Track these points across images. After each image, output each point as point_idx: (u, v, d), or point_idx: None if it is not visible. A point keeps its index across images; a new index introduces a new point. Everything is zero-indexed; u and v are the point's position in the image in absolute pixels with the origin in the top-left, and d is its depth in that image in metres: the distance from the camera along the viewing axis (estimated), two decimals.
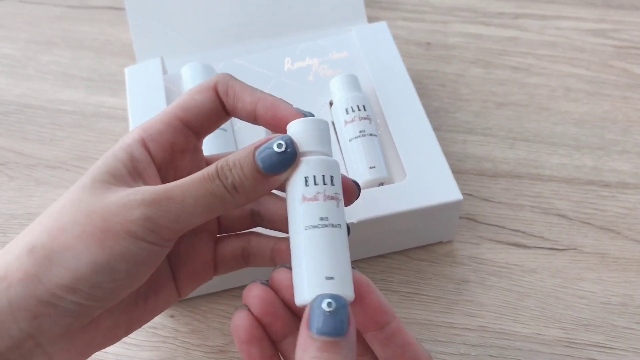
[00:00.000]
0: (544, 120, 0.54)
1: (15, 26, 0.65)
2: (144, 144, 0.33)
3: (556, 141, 0.53)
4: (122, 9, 0.55)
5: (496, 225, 0.48)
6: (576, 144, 0.52)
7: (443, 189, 0.43)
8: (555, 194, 0.50)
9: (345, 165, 0.46)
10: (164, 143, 0.33)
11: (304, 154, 0.31)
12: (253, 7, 0.56)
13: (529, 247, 0.47)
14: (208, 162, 0.36)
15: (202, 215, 0.30)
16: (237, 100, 0.33)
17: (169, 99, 0.50)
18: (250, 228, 0.37)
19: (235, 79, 0.34)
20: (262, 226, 0.36)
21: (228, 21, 0.55)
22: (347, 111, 0.47)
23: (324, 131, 0.31)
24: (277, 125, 0.33)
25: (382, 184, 0.45)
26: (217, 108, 0.34)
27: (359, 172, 0.44)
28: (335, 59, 0.52)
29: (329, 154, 0.31)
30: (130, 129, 0.48)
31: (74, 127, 0.56)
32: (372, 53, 0.52)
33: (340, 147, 0.47)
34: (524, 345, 0.42)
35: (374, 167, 0.44)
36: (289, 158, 0.30)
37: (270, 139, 0.30)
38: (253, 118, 0.34)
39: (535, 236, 0.47)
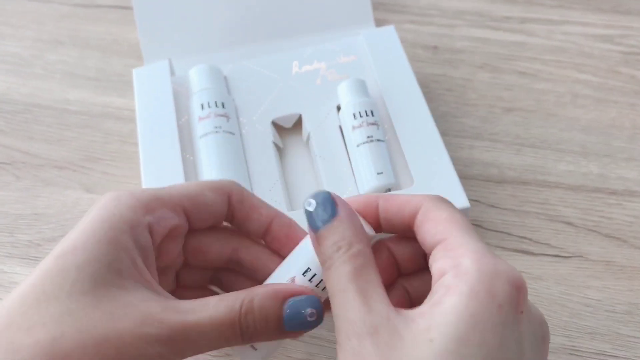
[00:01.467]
0: (551, 126, 0.54)
1: (21, 24, 0.65)
2: (149, 228, 0.30)
3: (563, 148, 0.53)
4: (129, 8, 0.55)
5: (502, 232, 0.48)
6: (583, 151, 0.52)
7: (450, 196, 0.43)
8: (562, 201, 0.50)
9: (352, 171, 0.46)
10: (165, 230, 0.31)
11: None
12: (261, 9, 0.56)
13: (535, 254, 0.47)
14: (186, 245, 0.34)
15: (204, 352, 0.29)
16: (253, 211, 0.33)
17: (176, 101, 0.50)
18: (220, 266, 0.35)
19: (246, 190, 0.34)
20: (238, 271, 0.35)
21: (236, 23, 0.56)
22: (354, 116, 0.47)
23: None
24: (285, 246, 0.33)
25: (389, 190, 0.45)
26: (224, 212, 0.33)
27: (366, 178, 0.45)
28: (343, 63, 0.52)
29: None
30: (138, 130, 0.48)
31: (81, 128, 0.56)
32: (380, 57, 0.52)
33: (347, 153, 0.47)
34: None
35: (382, 173, 0.44)
36: (316, 324, 0.29)
37: (298, 292, 0.30)
38: (262, 232, 0.33)
39: (541, 243, 0.47)
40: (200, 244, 0.34)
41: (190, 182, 0.33)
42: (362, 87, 0.48)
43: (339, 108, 0.49)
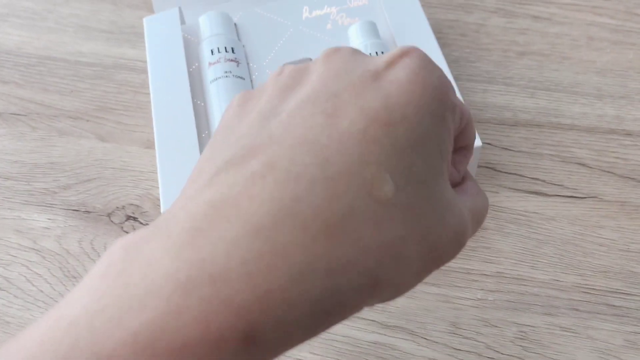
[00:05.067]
0: (566, 69, 0.53)
1: None
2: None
3: (578, 90, 0.52)
4: None
5: (515, 174, 0.48)
6: (598, 93, 0.52)
7: None
8: (576, 143, 0.49)
9: None
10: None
11: None
12: None
13: (549, 195, 0.46)
14: None
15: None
16: None
17: (187, 49, 0.50)
18: None
19: None
20: None
21: None
22: None
23: None
24: None
25: None
26: None
27: None
28: (354, 7, 0.51)
29: None
30: (150, 76, 0.48)
31: (94, 79, 0.56)
32: (392, 1, 0.51)
33: None
34: (542, 291, 0.42)
35: None
36: None
37: None
38: None
39: (554, 184, 0.47)
40: None
41: None
42: (373, 29, 0.48)
43: None
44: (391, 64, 0.23)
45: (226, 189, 0.20)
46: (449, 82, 0.24)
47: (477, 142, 0.43)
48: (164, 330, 0.18)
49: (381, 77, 0.23)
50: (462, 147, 0.27)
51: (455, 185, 0.27)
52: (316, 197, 0.20)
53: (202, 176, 0.22)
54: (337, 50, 0.25)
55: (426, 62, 0.24)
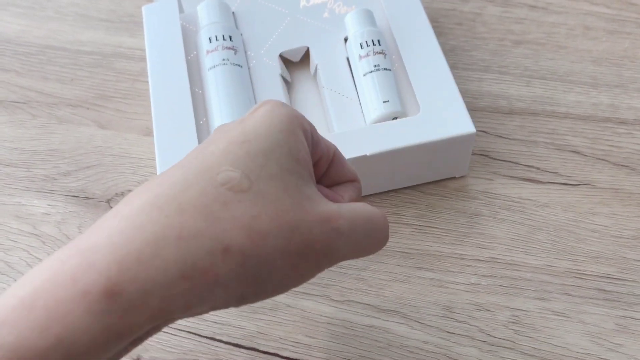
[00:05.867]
0: (561, 58, 0.54)
1: None
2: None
3: (573, 79, 0.52)
4: None
5: (510, 162, 0.48)
6: (593, 82, 0.52)
7: (456, 122, 0.44)
8: (571, 131, 0.49)
9: (359, 99, 0.46)
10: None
11: None
12: None
13: (543, 183, 0.47)
14: None
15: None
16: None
17: (185, 38, 0.50)
18: None
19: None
20: None
21: None
22: (361, 46, 0.47)
23: None
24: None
25: (396, 118, 0.45)
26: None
27: (372, 106, 0.45)
28: None
29: None
30: (148, 64, 0.49)
31: (94, 67, 0.56)
32: None
33: (354, 82, 0.47)
34: (535, 276, 0.43)
35: (388, 101, 0.45)
36: None
37: None
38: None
39: (549, 172, 0.47)
40: None
41: None
42: (369, 17, 0.48)
43: (346, 40, 0.49)
44: (253, 111, 0.29)
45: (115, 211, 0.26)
46: (302, 116, 0.30)
47: (471, 129, 0.43)
48: (43, 292, 0.23)
49: (244, 121, 0.29)
50: (346, 181, 0.33)
51: None
52: (174, 190, 0.26)
53: None
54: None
55: (279, 104, 0.29)
